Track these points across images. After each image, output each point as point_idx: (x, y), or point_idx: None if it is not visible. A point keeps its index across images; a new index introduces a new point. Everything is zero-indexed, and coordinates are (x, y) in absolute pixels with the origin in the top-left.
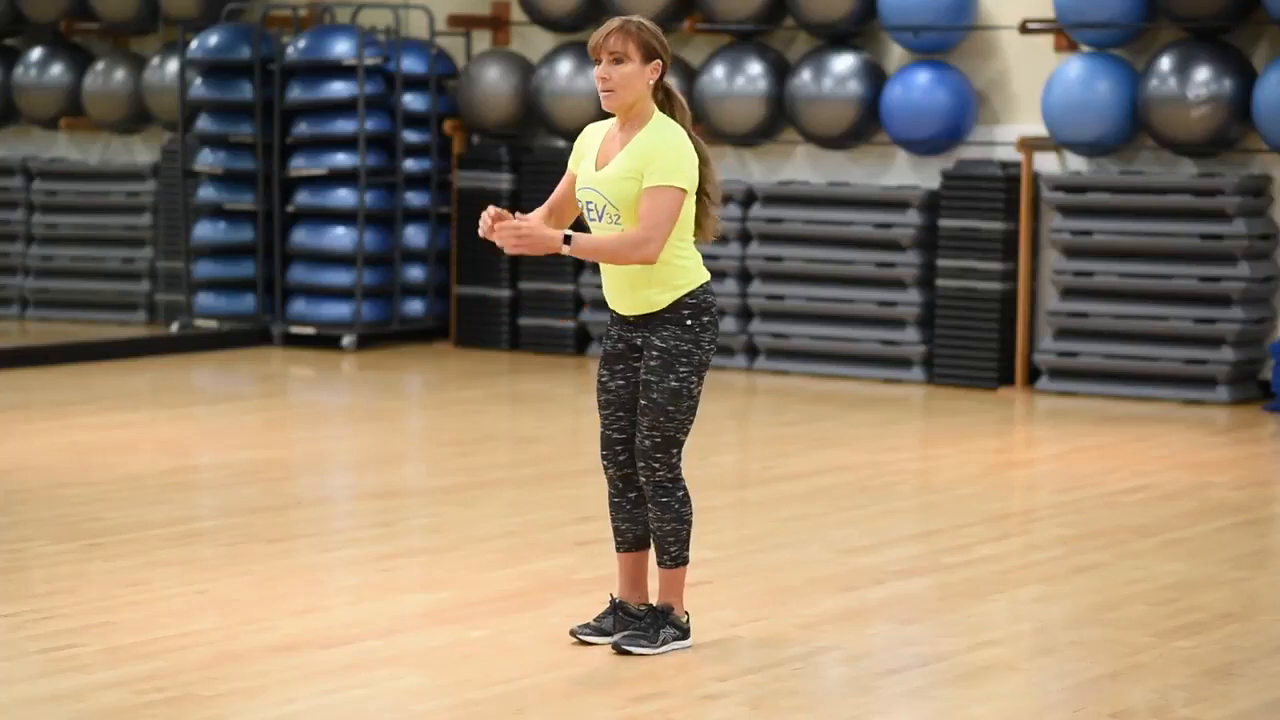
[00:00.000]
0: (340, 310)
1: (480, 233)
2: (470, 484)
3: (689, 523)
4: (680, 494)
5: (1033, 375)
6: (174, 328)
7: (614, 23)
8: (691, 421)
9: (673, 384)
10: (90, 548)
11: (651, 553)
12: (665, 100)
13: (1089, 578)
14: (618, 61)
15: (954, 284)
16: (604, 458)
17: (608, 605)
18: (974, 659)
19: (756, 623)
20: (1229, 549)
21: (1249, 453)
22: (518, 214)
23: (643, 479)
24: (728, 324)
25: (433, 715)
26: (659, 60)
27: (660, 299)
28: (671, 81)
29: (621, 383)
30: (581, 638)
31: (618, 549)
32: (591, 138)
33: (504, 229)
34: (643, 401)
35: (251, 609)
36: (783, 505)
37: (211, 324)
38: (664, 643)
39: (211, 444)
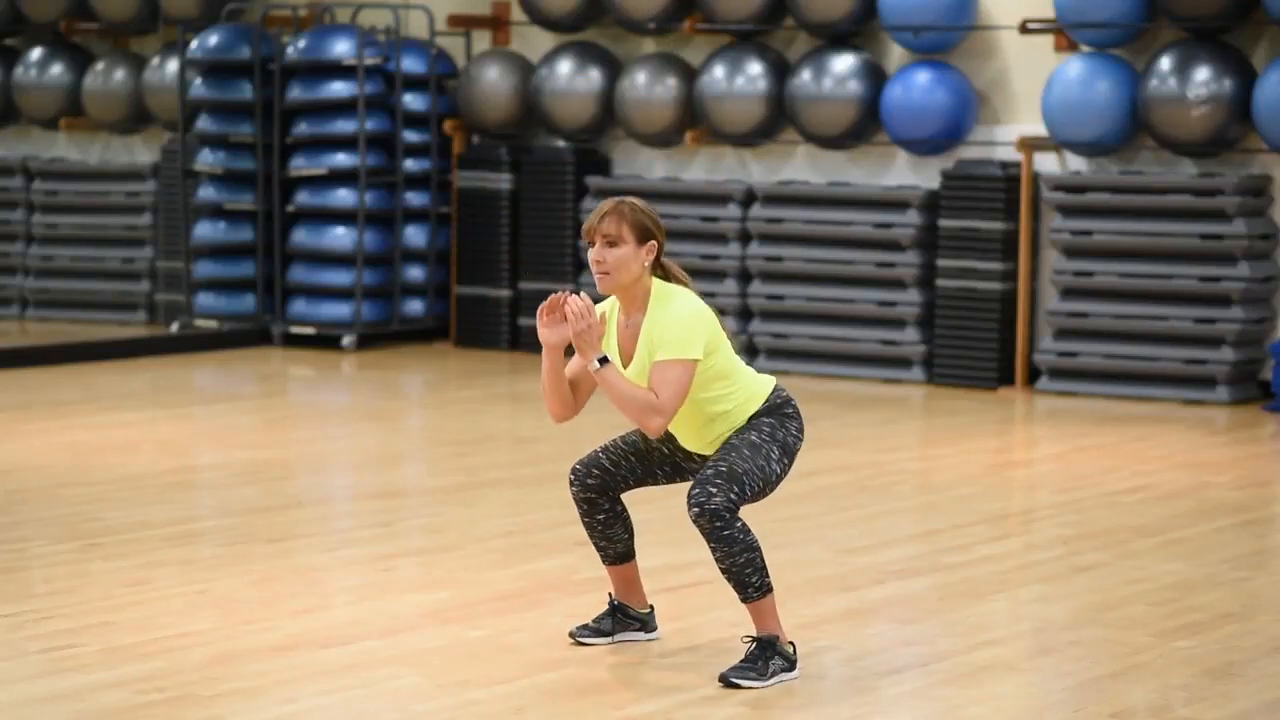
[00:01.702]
0: (340, 310)
1: (551, 301)
2: (470, 484)
3: (759, 549)
4: (739, 524)
5: (1033, 375)
6: (174, 328)
7: (607, 205)
8: (760, 484)
9: (752, 438)
10: (90, 548)
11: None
12: (664, 277)
13: (1089, 578)
14: (611, 244)
15: (954, 284)
16: (574, 473)
17: (607, 606)
18: (974, 659)
19: None
20: (1229, 549)
21: (1249, 453)
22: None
23: (693, 512)
24: (728, 324)
25: (433, 715)
26: (654, 241)
27: (738, 425)
28: (670, 261)
29: (665, 450)
30: (580, 639)
31: (603, 562)
32: (607, 328)
33: (583, 309)
34: (719, 449)
35: (251, 609)
36: (782, 505)
37: (211, 324)
38: (773, 674)
39: (211, 444)
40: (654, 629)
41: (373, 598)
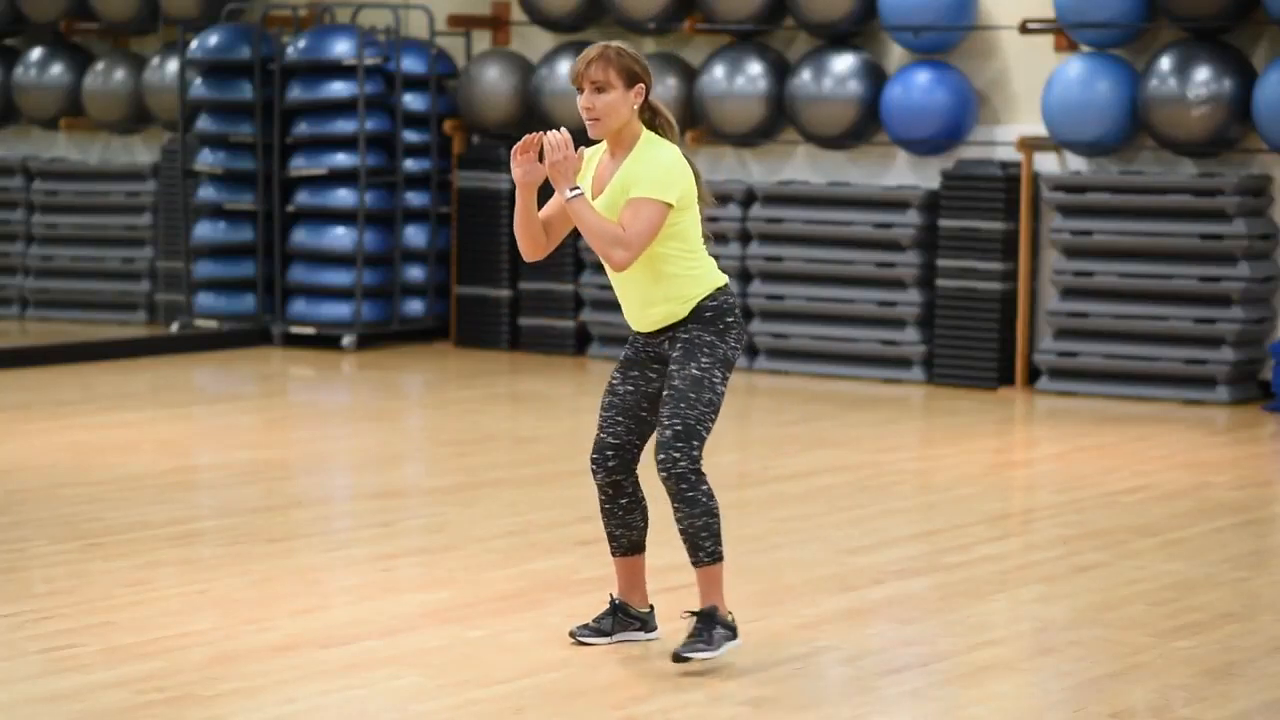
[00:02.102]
0: (340, 310)
1: (525, 141)
2: (470, 484)
3: (718, 516)
4: (705, 487)
5: (1033, 375)
6: (174, 328)
7: (593, 51)
8: (713, 418)
9: (694, 372)
10: (90, 548)
11: (665, 554)
12: (653, 119)
13: (1089, 578)
14: (600, 90)
15: (954, 284)
16: (594, 462)
17: (607, 606)
18: (974, 659)
19: (756, 623)
20: (1229, 549)
21: (1249, 453)
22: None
23: (661, 474)
24: None
25: (433, 715)
26: (641, 84)
27: (680, 310)
28: (658, 100)
29: (630, 389)
30: (580, 639)
31: (613, 553)
32: (585, 163)
33: (560, 141)
34: (665, 392)
35: (251, 609)
36: (782, 505)
37: (211, 324)
38: (719, 642)
39: (211, 444)
40: (654, 629)
41: (373, 598)
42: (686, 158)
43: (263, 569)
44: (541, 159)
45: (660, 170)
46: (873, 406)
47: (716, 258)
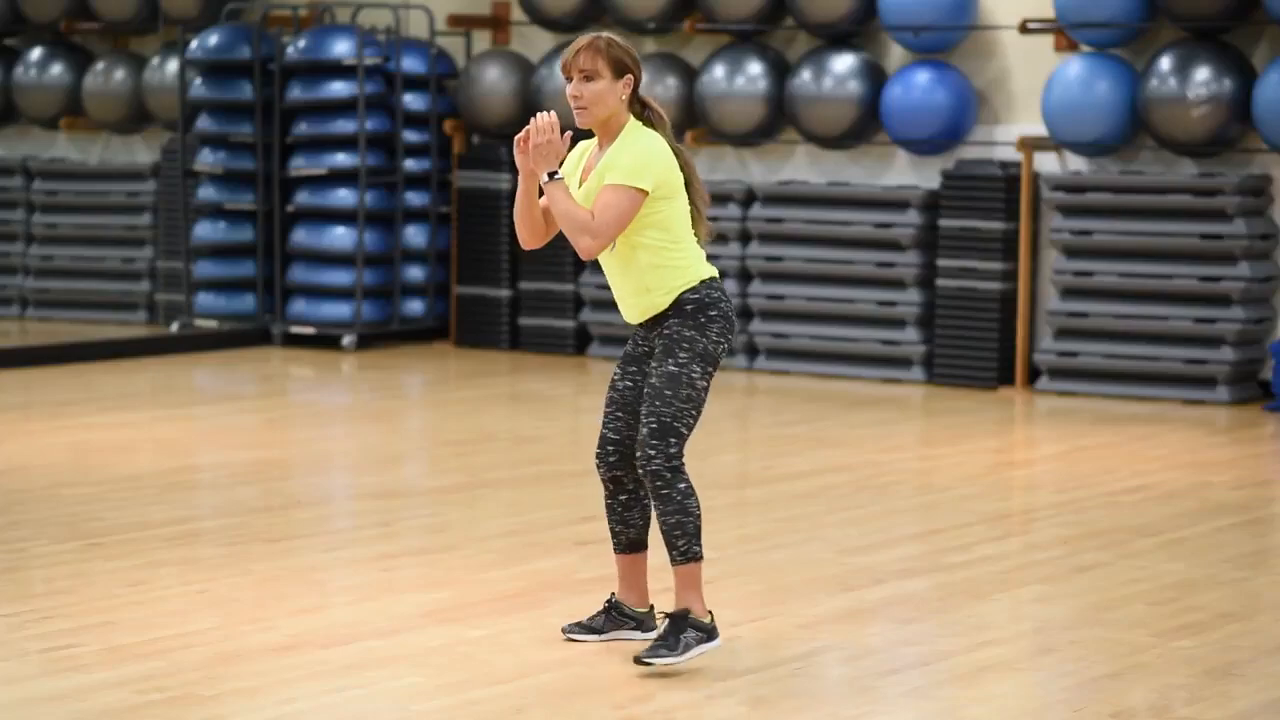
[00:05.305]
0: (340, 310)
1: (528, 129)
2: (470, 484)
3: (695, 515)
4: (682, 485)
5: (1033, 375)
6: (174, 328)
7: (583, 40)
8: (692, 414)
9: (670, 368)
10: (90, 548)
11: (661, 552)
12: (642, 112)
13: (1089, 578)
14: (588, 79)
15: (954, 284)
16: (597, 456)
17: (604, 604)
18: (974, 659)
19: (756, 623)
20: (1229, 549)
21: (1249, 453)
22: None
23: (640, 470)
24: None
25: (433, 715)
26: (630, 75)
27: (662, 301)
28: (648, 95)
29: (629, 384)
30: (571, 636)
31: (614, 549)
32: (578, 155)
33: (547, 124)
34: (645, 390)
35: (251, 609)
36: (783, 505)
37: (211, 324)
38: (686, 648)
39: (211, 444)
40: (651, 628)
41: (373, 598)
42: (678, 150)
43: (263, 569)
44: None
45: (637, 157)
46: (873, 406)
47: (716, 258)
